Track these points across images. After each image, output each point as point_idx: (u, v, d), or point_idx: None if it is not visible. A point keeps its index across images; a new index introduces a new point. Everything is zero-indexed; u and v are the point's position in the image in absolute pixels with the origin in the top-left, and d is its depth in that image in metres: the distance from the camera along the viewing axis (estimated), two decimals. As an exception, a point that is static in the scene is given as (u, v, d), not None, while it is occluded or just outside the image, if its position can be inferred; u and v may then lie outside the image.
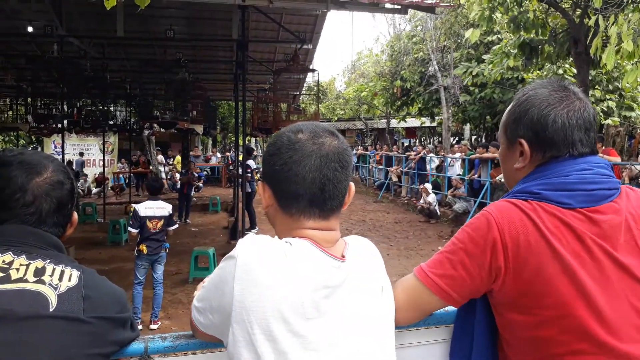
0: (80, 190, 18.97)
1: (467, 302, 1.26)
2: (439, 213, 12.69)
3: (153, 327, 5.74)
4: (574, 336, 1.08)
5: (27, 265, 1.06)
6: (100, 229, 11.33)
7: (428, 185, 13.23)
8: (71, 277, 1.08)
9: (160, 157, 20.10)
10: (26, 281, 1.04)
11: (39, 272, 1.06)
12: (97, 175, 19.11)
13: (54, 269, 1.08)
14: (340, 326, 1.01)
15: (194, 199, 16.24)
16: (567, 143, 1.19)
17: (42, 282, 1.05)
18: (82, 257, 9.08)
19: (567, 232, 1.11)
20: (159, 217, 5.71)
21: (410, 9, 6.74)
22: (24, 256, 1.08)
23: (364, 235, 7.51)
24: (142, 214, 5.69)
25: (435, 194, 13.24)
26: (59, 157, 13.73)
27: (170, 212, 5.84)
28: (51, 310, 1.02)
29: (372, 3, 6.20)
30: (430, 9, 6.29)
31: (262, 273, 0.98)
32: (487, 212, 1.18)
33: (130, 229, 5.81)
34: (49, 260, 1.09)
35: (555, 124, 1.19)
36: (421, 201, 13.20)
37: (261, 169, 1.15)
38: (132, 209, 5.94)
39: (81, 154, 20.76)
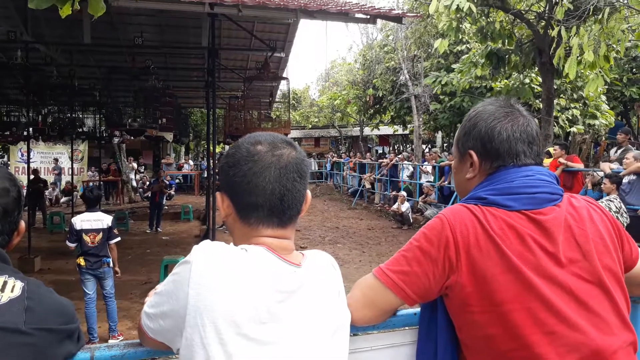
0: (48, 199, 18.57)
1: (431, 306, 1.30)
2: (411, 219, 12.82)
3: (112, 342, 5.54)
4: (526, 330, 1.13)
5: None
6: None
7: (404, 193, 13.37)
8: (14, 288, 1.07)
9: (133, 165, 19.82)
10: None
11: None
12: (66, 184, 18.72)
13: None
14: (296, 330, 1.03)
15: (166, 207, 16.04)
16: (512, 154, 1.28)
17: None
18: (48, 267, 8.87)
19: (510, 232, 1.18)
20: (97, 230, 5.38)
21: (379, 19, 6.81)
22: None
23: (336, 242, 7.57)
24: (77, 227, 5.37)
25: (408, 200, 13.38)
26: (25, 165, 13.42)
27: (110, 224, 5.49)
28: None
29: (341, 13, 6.26)
30: (397, 19, 6.39)
31: (217, 278, 0.99)
32: (442, 214, 1.26)
33: (67, 242, 5.51)
34: None
35: (500, 136, 1.28)
36: (394, 206, 13.32)
37: (220, 179, 1.16)
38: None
39: (56, 160, 20.33)
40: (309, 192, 1.16)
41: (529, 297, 1.14)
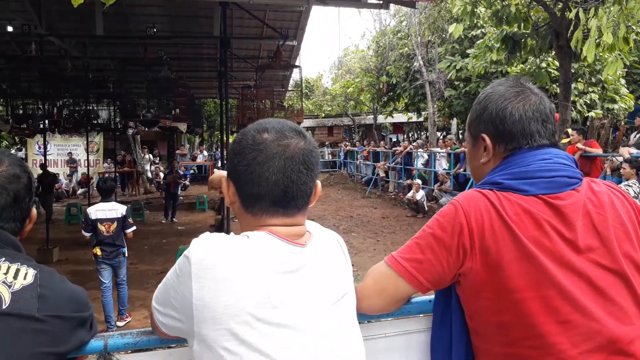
0: (65, 190, 18.83)
1: (445, 292, 1.28)
2: (426, 207, 12.75)
3: (120, 324, 5.69)
4: (540, 318, 1.11)
5: None
6: (85, 229, 11.22)
7: (419, 181, 13.29)
8: (27, 275, 1.07)
9: (149, 156, 19.98)
10: None
11: None
12: (82, 176, 18.95)
13: (9, 267, 1.07)
14: (306, 310, 1.01)
15: (181, 197, 16.17)
16: (525, 134, 1.24)
17: None
18: (66, 257, 9.01)
19: (526, 218, 1.15)
20: (111, 220, 5.51)
21: (392, 4, 6.73)
22: None
23: (351, 230, 7.60)
24: (92, 216, 5.51)
25: (422, 188, 13.30)
26: (42, 158, 13.57)
27: (124, 213, 5.63)
28: (3, 307, 1.01)
29: (353, -2, 6.20)
30: (411, 3, 6.31)
31: (219, 268, 0.97)
32: (455, 200, 1.23)
33: (83, 232, 5.67)
34: (4, 259, 1.08)
35: (512, 117, 1.24)
36: (409, 194, 13.25)
37: (226, 166, 1.15)
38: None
39: (70, 153, 20.58)
40: (319, 183, 1.13)
41: (544, 284, 1.11)
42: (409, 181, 14.40)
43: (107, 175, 16.48)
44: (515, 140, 1.25)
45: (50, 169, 16.13)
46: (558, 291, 1.11)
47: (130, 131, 13.72)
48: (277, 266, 1.01)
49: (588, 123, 14.73)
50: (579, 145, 8.22)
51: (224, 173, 1.29)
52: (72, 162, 20.22)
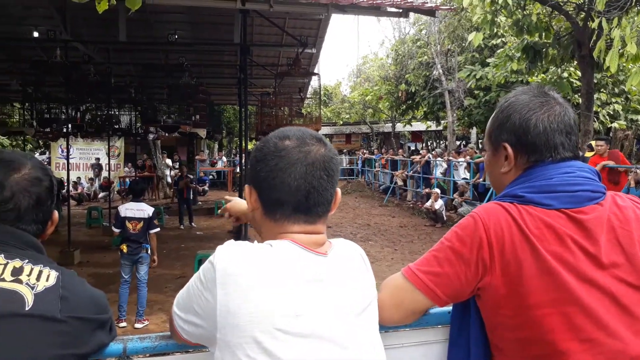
0: (87, 194, 19.13)
1: (463, 304, 1.27)
2: (445, 217, 12.65)
3: (138, 326, 5.84)
4: (562, 335, 1.09)
5: (5, 265, 1.07)
6: (105, 232, 11.37)
7: (437, 190, 13.20)
8: (49, 277, 1.09)
9: (168, 161, 20.20)
10: (3, 280, 1.04)
11: (17, 272, 1.06)
12: (103, 180, 19.23)
13: (32, 269, 1.08)
14: (330, 319, 1.02)
15: (199, 203, 16.28)
16: (549, 147, 1.22)
17: (19, 282, 1.05)
18: (87, 260, 9.14)
19: (548, 232, 1.12)
20: (139, 219, 5.84)
21: (411, 13, 6.73)
22: (2, 255, 1.08)
23: (368, 239, 7.55)
24: (122, 214, 5.87)
25: (441, 197, 13.20)
26: (65, 161, 13.82)
27: (151, 215, 5.93)
28: (27, 309, 1.02)
29: (373, 6, 6.21)
30: (430, 12, 6.30)
31: (243, 277, 0.98)
32: (475, 212, 1.21)
33: (113, 227, 6.07)
34: (27, 260, 1.10)
35: (536, 128, 1.22)
36: (427, 203, 13.16)
37: (248, 172, 1.16)
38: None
39: (97, 159, 20.90)
40: (339, 190, 1.14)
41: (565, 301, 1.09)
42: (427, 190, 14.31)
43: (127, 179, 16.71)
44: (539, 152, 1.22)
45: (73, 173, 16.41)
46: (580, 308, 1.08)
47: (151, 136, 13.90)
48: (300, 275, 1.02)
49: (611, 134, 14.50)
50: (603, 163, 8.02)
51: (244, 203, 1.37)
52: (97, 167, 20.50)
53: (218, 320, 0.97)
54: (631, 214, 1.19)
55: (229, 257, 1.01)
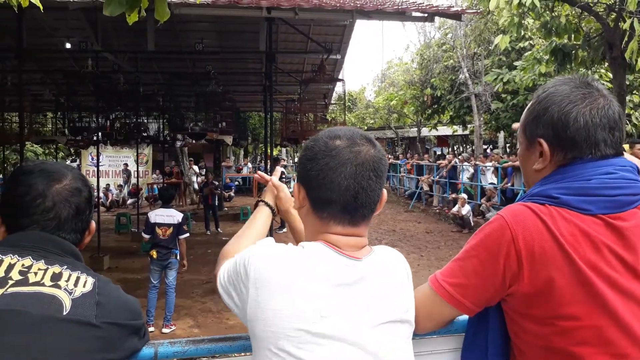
0: (116, 200, 19.51)
1: (480, 311, 1.24)
2: (472, 223, 12.48)
3: (165, 330, 5.93)
4: (593, 348, 1.05)
5: (45, 270, 1.10)
6: (134, 238, 11.57)
7: (464, 196, 13.04)
8: (86, 283, 1.12)
9: (195, 168, 20.47)
10: (43, 285, 1.07)
11: (56, 277, 1.10)
12: (132, 186, 19.58)
13: (70, 275, 1.11)
14: (356, 323, 1.02)
15: (226, 209, 16.43)
16: (590, 143, 1.12)
17: (58, 287, 1.08)
18: (116, 265, 9.31)
19: (584, 240, 1.06)
20: (168, 225, 5.92)
21: (437, 17, 6.69)
22: (43, 261, 1.12)
23: (393, 245, 7.45)
24: (152, 220, 5.95)
25: (468, 203, 13.04)
26: (95, 169, 14.16)
27: (180, 220, 6.01)
28: (65, 313, 1.05)
29: (398, 12, 6.20)
30: (456, 16, 6.25)
31: (275, 275, 1.02)
32: (501, 216, 1.13)
33: (143, 233, 6.17)
34: (65, 267, 1.13)
35: (577, 123, 1.12)
36: (454, 209, 13.01)
37: (297, 171, 1.18)
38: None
39: (126, 165, 21.32)
40: (384, 191, 1.14)
41: (599, 313, 1.04)
42: (454, 195, 14.15)
43: (155, 186, 16.99)
44: (578, 149, 1.12)
45: (102, 180, 16.76)
46: (614, 321, 1.04)
47: (178, 143, 14.12)
48: (329, 278, 1.03)
49: (644, 137, 14.09)
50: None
51: (291, 199, 1.41)
52: (126, 173, 20.88)
53: (248, 312, 1.02)
54: None
55: (263, 256, 1.05)
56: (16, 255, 1.10)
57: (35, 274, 1.08)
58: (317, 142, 1.12)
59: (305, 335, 0.98)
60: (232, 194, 19.25)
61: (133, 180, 20.04)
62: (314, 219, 1.12)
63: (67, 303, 1.06)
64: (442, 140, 31.10)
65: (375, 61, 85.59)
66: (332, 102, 14.90)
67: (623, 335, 1.03)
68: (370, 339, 1.03)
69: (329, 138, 1.11)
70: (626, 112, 10.75)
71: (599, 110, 1.12)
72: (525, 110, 1.26)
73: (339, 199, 1.07)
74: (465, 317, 1.29)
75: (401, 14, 6.39)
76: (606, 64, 10.66)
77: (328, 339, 0.99)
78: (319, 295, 1.01)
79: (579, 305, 1.05)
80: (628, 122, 12.66)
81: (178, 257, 6.07)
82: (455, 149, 30.78)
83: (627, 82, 11.20)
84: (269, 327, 0.99)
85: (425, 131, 27.17)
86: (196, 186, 19.51)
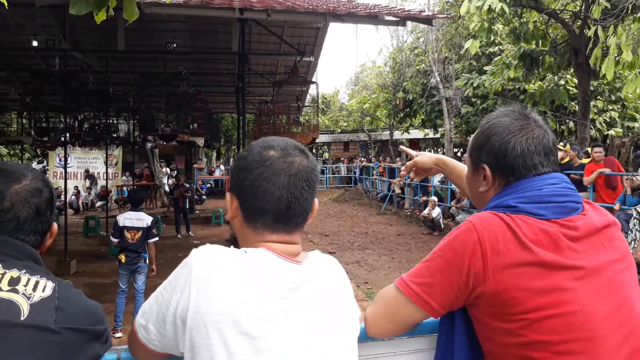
0: (85, 203, 19.08)
1: (449, 317, 1.26)
2: (442, 225, 12.65)
3: None
4: (563, 336, 1.10)
5: (3, 275, 1.07)
6: (103, 242, 11.33)
7: (435, 198, 13.20)
8: (45, 288, 1.09)
9: (166, 169, 20.18)
10: (0, 289, 1.04)
11: (14, 282, 1.07)
12: (100, 189, 19.18)
13: (28, 279, 1.08)
14: (298, 328, 1.02)
15: (197, 212, 16.24)
16: (528, 167, 1.25)
17: (16, 292, 1.05)
18: (84, 269, 9.09)
19: (544, 238, 1.15)
20: (137, 229, 5.82)
21: (409, 21, 6.77)
22: (0, 265, 1.08)
23: (366, 247, 7.50)
24: (120, 223, 5.84)
25: (439, 205, 13.21)
26: (62, 170, 13.85)
27: (149, 224, 5.91)
28: (22, 318, 1.02)
29: (370, 15, 6.24)
30: (427, 20, 6.34)
31: (217, 277, 0.99)
32: (469, 221, 1.21)
33: (111, 237, 6.04)
34: (24, 271, 1.10)
35: (514, 151, 1.25)
36: (425, 211, 13.17)
37: (230, 180, 1.16)
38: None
39: (87, 171, 20.84)
40: (316, 201, 1.16)
41: (567, 303, 1.11)
42: (425, 198, 14.32)
43: (125, 188, 16.68)
44: (517, 172, 1.25)
45: (70, 182, 16.38)
46: (579, 308, 1.11)
47: (149, 145, 13.91)
48: (273, 282, 1.03)
49: (608, 141, 14.55)
50: (598, 171, 8.04)
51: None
52: (90, 178, 20.36)
53: (188, 322, 0.98)
54: (609, 217, 1.26)
55: (205, 259, 1.02)
56: None
57: None
58: (250, 152, 1.12)
59: (247, 339, 0.96)
60: (204, 196, 19.05)
61: (101, 182, 19.65)
62: (248, 228, 1.11)
63: (25, 308, 1.03)
64: (414, 144, 31.43)
65: (349, 64, 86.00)
66: (306, 104, 14.92)
67: (587, 322, 1.10)
68: (312, 346, 1.03)
69: (263, 148, 1.11)
70: (590, 117, 11.06)
71: (534, 139, 1.26)
72: (472, 138, 1.39)
73: (272, 209, 1.08)
74: (429, 319, 1.31)
75: (373, 18, 6.45)
76: (572, 69, 10.95)
77: (271, 343, 0.98)
78: (263, 299, 0.99)
79: (545, 297, 1.11)
80: (592, 127, 13.04)
81: (147, 262, 5.96)
82: (426, 152, 31.14)
83: (592, 88, 11.54)
84: (210, 333, 0.96)
85: (397, 134, 27.44)
86: (167, 188, 19.26)
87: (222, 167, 25.96)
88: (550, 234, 1.15)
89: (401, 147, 1.87)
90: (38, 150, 22.31)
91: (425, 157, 1.79)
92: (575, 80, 11.23)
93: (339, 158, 30.25)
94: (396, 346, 1.36)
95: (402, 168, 1.85)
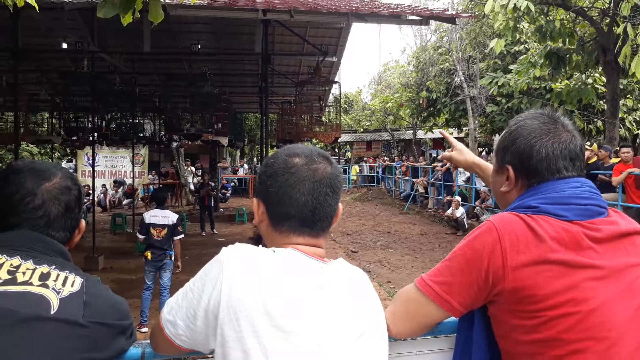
0: (112, 201, 19.47)
1: (468, 317, 1.27)
2: (466, 225, 12.52)
3: None
4: (579, 334, 1.10)
5: (34, 270, 1.11)
6: (129, 239, 11.55)
7: (458, 198, 13.07)
8: (74, 283, 1.13)
9: (191, 168, 20.43)
10: (31, 284, 1.08)
11: (44, 277, 1.11)
12: (127, 187, 19.53)
13: (58, 275, 1.13)
14: (326, 324, 1.04)
15: (221, 210, 16.42)
16: (552, 170, 1.25)
17: (46, 286, 1.09)
18: (111, 265, 9.28)
19: (566, 236, 1.15)
20: (163, 226, 5.93)
21: (432, 20, 6.72)
22: (31, 261, 1.13)
23: (389, 246, 7.47)
24: (147, 221, 5.96)
25: (462, 205, 13.08)
26: (90, 169, 14.15)
27: (175, 221, 6.01)
28: (52, 312, 1.06)
29: (393, 15, 6.22)
30: (451, 19, 6.29)
31: (248, 272, 1.03)
32: (489, 220, 1.22)
33: (137, 234, 6.16)
34: (54, 266, 1.14)
35: (539, 155, 1.25)
36: (449, 211, 13.05)
37: (257, 187, 1.21)
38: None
39: (119, 177, 21.14)
40: (340, 206, 1.20)
41: (584, 302, 1.11)
42: (448, 198, 14.19)
43: (151, 187, 16.96)
44: (540, 175, 1.26)
45: (98, 180, 16.73)
46: (599, 306, 1.11)
47: (174, 144, 14.12)
48: (302, 279, 1.06)
49: (638, 141, 14.19)
50: (628, 170, 7.84)
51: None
52: (119, 183, 20.52)
53: (220, 316, 1.01)
54: (637, 226, 1.24)
55: (236, 256, 1.06)
56: (5, 255, 1.11)
57: (24, 273, 1.09)
58: (276, 160, 1.16)
59: (278, 334, 0.99)
60: (228, 194, 19.24)
61: (128, 180, 20.01)
62: (274, 232, 1.15)
63: (55, 302, 1.07)
64: (438, 143, 31.14)
65: (372, 64, 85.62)
66: (328, 104, 14.93)
67: (604, 321, 1.10)
68: (336, 342, 1.05)
69: (288, 155, 1.16)
70: (620, 116, 10.80)
71: (560, 143, 1.26)
72: (499, 138, 1.40)
73: (297, 214, 1.12)
74: (450, 319, 1.32)
75: (396, 17, 6.43)
76: (600, 68, 10.72)
77: (302, 337, 1.01)
78: (294, 295, 1.03)
79: (565, 296, 1.11)
80: (621, 126, 12.73)
81: (173, 258, 6.05)
82: (450, 151, 30.78)
83: (621, 87, 11.27)
84: (242, 327, 0.99)
85: (420, 134, 27.21)
86: (192, 187, 19.51)
87: (245, 166, 26.16)
88: (573, 232, 1.16)
89: (442, 131, 1.90)
90: (67, 149, 22.82)
91: (462, 156, 1.80)
92: (604, 79, 10.98)
93: (362, 157, 30.15)
94: (417, 346, 1.37)
95: (439, 157, 1.94)
